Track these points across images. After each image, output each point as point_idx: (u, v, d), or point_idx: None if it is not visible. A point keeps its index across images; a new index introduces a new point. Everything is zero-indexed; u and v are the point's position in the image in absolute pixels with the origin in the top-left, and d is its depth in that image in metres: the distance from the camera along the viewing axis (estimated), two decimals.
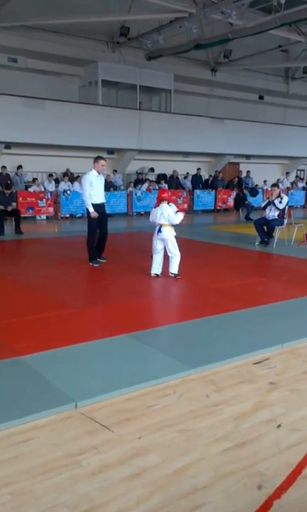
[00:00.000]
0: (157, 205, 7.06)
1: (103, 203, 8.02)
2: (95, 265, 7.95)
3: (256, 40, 17.93)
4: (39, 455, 2.67)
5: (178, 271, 6.98)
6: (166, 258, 7.04)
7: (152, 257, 7.15)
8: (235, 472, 2.54)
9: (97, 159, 7.86)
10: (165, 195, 7.10)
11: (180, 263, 6.99)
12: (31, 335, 4.55)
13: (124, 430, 2.93)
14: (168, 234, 6.89)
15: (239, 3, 14.77)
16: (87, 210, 7.90)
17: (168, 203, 7.00)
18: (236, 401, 3.32)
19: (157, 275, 7.07)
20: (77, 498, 2.32)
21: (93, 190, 7.77)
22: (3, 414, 3.03)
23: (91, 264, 7.97)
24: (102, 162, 7.80)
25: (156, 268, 7.08)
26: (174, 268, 6.97)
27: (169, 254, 6.96)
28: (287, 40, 19.74)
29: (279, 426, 3.00)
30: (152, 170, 19.51)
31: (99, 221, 7.95)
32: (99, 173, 7.86)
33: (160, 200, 7.04)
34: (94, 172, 7.81)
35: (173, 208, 7.09)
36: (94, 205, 7.78)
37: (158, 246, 6.98)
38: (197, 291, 6.42)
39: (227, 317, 5.18)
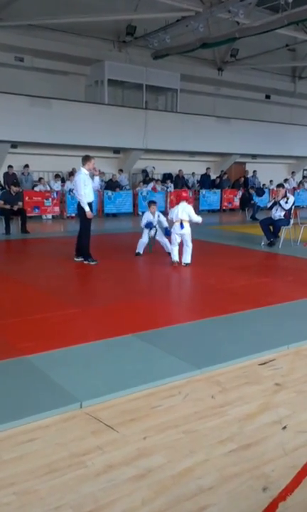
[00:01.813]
0: (172, 204, 7.71)
1: (92, 202, 8.13)
2: (92, 263, 7.98)
3: (263, 39, 17.85)
4: (44, 455, 2.66)
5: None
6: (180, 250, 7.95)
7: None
8: (240, 474, 2.53)
9: (88, 158, 7.93)
10: (185, 194, 8.40)
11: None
12: (36, 334, 4.56)
13: (129, 430, 2.92)
14: (188, 229, 7.80)
15: (245, 2, 14.69)
16: (80, 207, 7.95)
17: (187, 203, 7.98)
18: (241, 402, 3.30)
19: (178, 262, 7.86)
20: (82, 499, 2.32)
21: (86, 188, 7.85)
22: (8, 414, 3.03)
23: (87, 262, 8.01)
24: (93, 161, 7.98)
25: (176, 256, 7.92)
26: (188, 259, 7.84)
27: (186, 246, 7.84)
28: (294, 39, 19.68)
29: (285, 428, 2.99)
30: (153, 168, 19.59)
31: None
32: (89, 171, 7.92)
33: (179, 200, 8.05)
34: (85, 171, 7.87)
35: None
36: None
37: (177, 239, 7.89)
38: (203, 291, 6.41)
39: (233, 317, 5.17)
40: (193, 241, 7.83)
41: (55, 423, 2.99)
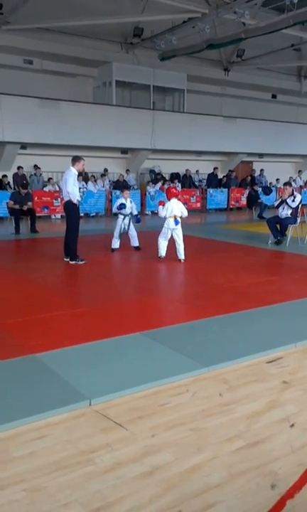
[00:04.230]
0: (162, 201, 8.17)
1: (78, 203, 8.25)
2: (80, 262, 7.97)
3: (268, 39, 17.79)
4: (53, 452, 2.69)
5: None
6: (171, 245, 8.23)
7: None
8: (248, 471, 2.54)
9: (78, 159, 7.94)
10: (176, 191, 8.47)
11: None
12: (45, 333, 4.59)
13: (137, 428, 2.94)
14: (180, 225, 8.04)
15: (251, 3, 14.70)
16: (70, 205, 7.97)
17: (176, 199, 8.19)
18: (249, 400, 3.31)
19: (163, 257, 8.19)
20: (90, 496, 2.34)
21: (75, 188, 7.93)
22: (18, 411, 3.06)
23: (74, 262, 7.97)
24: (83, 162, 8.02)
25: (164, 251, 8.21)
26: (183, 254, 8.09)
27: (180, 242, 8.04)
28: (300, 39, 19.60)
29: (292, 425, 2.99)
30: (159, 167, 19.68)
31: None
32: (78, 172, 8.03)
33: (170, 196, 8.11)
34: (74, 171, 7.92)
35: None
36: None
37: (168, 235, 8.07)
38: (210, 290, 6.41)
39: (240, 316, 5.17)
40: (201, 240, 7.87)
41: (65, 420, 3.01)
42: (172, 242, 8.15)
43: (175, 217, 7.95)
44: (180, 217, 8.04)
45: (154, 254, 8.42)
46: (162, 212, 8.07)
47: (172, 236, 8.08)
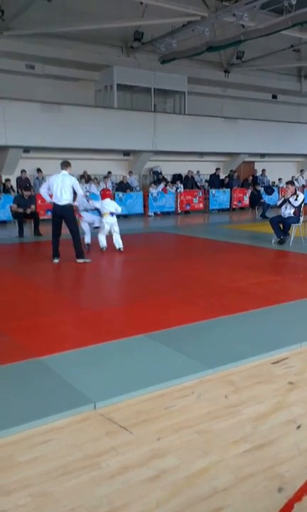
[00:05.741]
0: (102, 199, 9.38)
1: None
2: (87, 261, 8.18)
3: (268, 40, 17.85)
4: (58, 456, 2.67)
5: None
6: (110, 237, 9.27)
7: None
8: (255, 474, 2.51)
9: (70, 164, 8.43)
10: (109, 192, 9.88)
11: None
12: (49, 336, 4.58)
13: (143, 431, 2.92)
14: (115, 218, 9.25)
15: (250, 5, 14.71)
16: (69, 208, 8.23)
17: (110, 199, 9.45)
18: (255, 402, 3.28)
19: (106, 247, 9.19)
20: (97, 501, 2.31)
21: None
22: (23, 416, 3.05)
23: (83, 260, 8.16)
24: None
25: (104, 243, 9.19)
26: (121, 244, 9.12)
27: (117, 234, 9.14)
28: (299, 40, 19.64)
29: (299, 427, 2.96)
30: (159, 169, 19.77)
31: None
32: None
33: (105, 197, 9.34)
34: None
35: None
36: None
37: (107, 229, 9.14)
38: (214, 290, 6.37)
39: (244, 316, 5.15)
40: (204, 240, 7.82)
41: (69, 424, 2.99)
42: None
43: (110, 213, 9.11)
44: (114, 214, 9.21)
45: (159, 256, 8.42)
46: (94, 203, 9.33)
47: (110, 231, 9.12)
